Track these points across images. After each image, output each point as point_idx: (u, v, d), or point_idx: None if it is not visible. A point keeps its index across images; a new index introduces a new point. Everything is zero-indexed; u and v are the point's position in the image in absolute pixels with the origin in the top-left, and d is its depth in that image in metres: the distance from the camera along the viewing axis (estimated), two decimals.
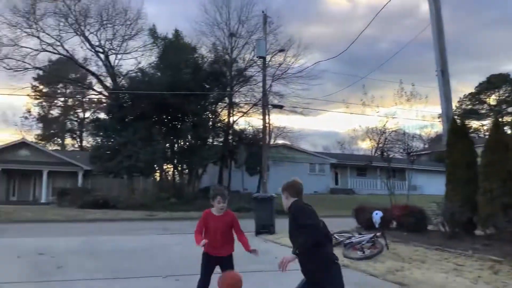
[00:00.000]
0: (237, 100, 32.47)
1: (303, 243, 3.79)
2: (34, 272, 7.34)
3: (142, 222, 18.21)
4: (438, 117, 19.04)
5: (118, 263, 8.28)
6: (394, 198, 15.90)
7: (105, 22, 29.35)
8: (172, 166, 31.47)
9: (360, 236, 10.33)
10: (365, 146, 39.12)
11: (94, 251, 9.62)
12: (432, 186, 31.67)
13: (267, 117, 25.81)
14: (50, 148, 44.30)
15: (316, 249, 3.80)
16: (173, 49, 28.40)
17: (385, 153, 18.21)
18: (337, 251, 9.75)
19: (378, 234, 9.90)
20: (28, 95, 41.64)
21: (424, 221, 12.55)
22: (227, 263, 4.55)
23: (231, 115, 32.03)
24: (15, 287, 6.36)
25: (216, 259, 4.55)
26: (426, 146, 32.48)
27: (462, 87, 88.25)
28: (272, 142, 33.57)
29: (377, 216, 10.29)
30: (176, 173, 31.43)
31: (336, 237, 10.89)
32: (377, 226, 10.21)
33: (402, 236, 11.88)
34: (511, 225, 9.03)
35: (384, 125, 17.45)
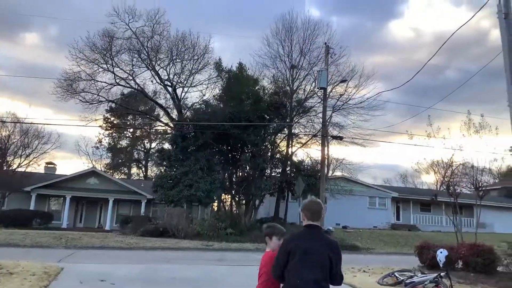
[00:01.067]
0: (296, 131, 32.53)
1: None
2: None
3: (199, 251, 18.44)
4: (510, 150, 17.88)
5: None
6: (461, 236, 14.95)
7: (174, 57, 30.83)
8: (230, 196, 31.82)
9: (422, 275, 9.80)
10: (429, 180, 37.40)
11: (153, 279, 9.86)
12: (502, 224, 29.56)
13: (326, 148, 25.59)
14: (117, 177, 46.60)
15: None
16: (236, 81, 29.23)
17: (451, 188, 17.28)
18: None
19: (442, 274, 9.33)
20: (100, 126, 44.51)
21: (494, 262, 11.68)
22: None
23: (290, 146, 32.08)
24: None
25: None
26: (497, 181, 30.47)
27: None
28: (330, 174, 33.07)
29: (441, 254, 9.71)
30: (233, 203, 31.73)
31: (397, 275, 10.43)
32: (441, 265, 9.63)
33: (468, 277, 11.10)
34: None
35: (450, 158, 16.60)
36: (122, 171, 56.98)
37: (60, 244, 18.09)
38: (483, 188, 16.92)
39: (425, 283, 9.22)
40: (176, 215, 24.07)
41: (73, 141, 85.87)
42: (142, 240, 21.25)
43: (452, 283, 9.43)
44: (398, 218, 38.34)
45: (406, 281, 9.62)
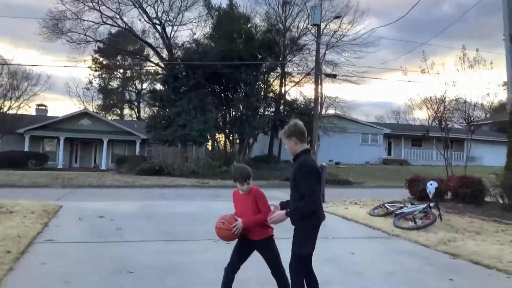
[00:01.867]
0: (289, 70, 32.12)
1: (296, 212, 3.65)
2: (94, 233, 7.85)
3: (195, 189, 18.81)
4: (503, 85, 17.81)
5: (173, 227, 8.67)
6: (451, 169, 15.31)
7: None
8: (224, 135, 31.99)
9: (412, 206, 10.12)
10: (422, 116, 37.62)
11: (150, 215, 10.11)
12: (492, 158, 30.19)
13: (319, 86, 25.40)
14: (109, 118, 46.39)
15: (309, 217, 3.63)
16: (227, 19, 28.39)
17: (443, 123, 17.42)
18: (388, 221, 9.64)
19: (431, 204, 9.65)
20: (89, 67, 43.61)
21: (482, 193, 12.03)
22: (262, 248, 4.07)
23: (283, 85, 31.82)
24: (78, 246, 6.84)
25: (250, 242, 4.05)
26: (488, 115, 30.73)
27: None
28: (323, 112, 33.09)
29: (431, 186, 10.01)
30: (227, 142, 31.96)
31: (387, 207, 10.75)
32: (431, 196, 9.95)
33: (457, 208, 11.48)
34: None
35: (443, 94, 16.57)
36: (115, 112, 56.69)
37: (57, 184, 18.34)
38: (475, 123, 17.09)
39: (415, 213, 9.53)
40: (171, 154, 24.32)
41: (63, 82, 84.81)
42: (139, 178, 21.57)
43: (441, 213, 9.76)
44: (389, 154, 39.03)
45: (396, 212, 9.93)
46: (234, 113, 30.69)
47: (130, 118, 55.03)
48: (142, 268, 5.55)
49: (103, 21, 29.73)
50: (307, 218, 3.65)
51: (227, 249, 4.40)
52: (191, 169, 23.80)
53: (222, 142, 33.26)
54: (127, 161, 27.65)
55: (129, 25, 30.98)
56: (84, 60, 32.97)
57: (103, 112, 52.50)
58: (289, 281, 3.94)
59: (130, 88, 56.00)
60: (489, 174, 11.59)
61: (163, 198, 14.02)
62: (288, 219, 3.73)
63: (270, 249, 4.05)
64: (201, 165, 24.48)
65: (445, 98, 16.67)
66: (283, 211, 3.75)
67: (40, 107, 38.06)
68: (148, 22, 30.89)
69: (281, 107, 31.12)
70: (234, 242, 4.14)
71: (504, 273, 5.79)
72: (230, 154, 29.37)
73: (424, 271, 5.85)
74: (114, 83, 54.88)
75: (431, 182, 10.17)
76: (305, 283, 3.81)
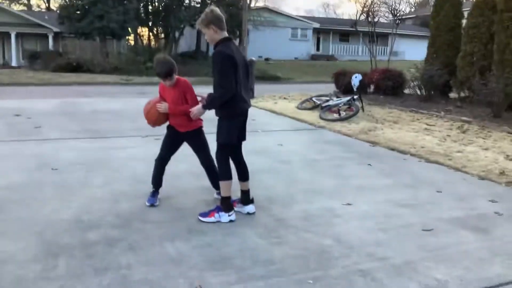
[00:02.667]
0: None
1: (212, 103, 3.60)
2: (11, 132, 7.31)
3: (118, 86, 17.95)
4: None
5: (97, 124, 8.29)
6: (375, 63, 15.84)
7: None
8: (147, 29, 30.07)
9: (337, 99, 10.46)
10: (351, 11, 37.70)
11: (71, 113, 9.56)
12: (415, 52, 31.47)
13: None
14: (15, 9, 41.32)
15: (228, 103, 3.58)
16: None
17: (370, 16, 17.59)
18: (315, 114, 9.98)
19: (355, 97, 10.03)
20: None
21: (402, 85, 12.71)
22: (189, 138, 4.10)
23: None
24: None
25: (178, 134, 4.05)
26: (413, 10, 31.49)
27: None
28: (253, 4, 31.93)
29: (356, 79, 10.30)
30: (151, 36, 30.21)
31: (314, 100, 11.05)
32: (355, 89, 10.29)
33: (378, 99, 12.11)
34: (486, 87, 9.19)
35: None
36: (20, 2, 50.43)
37: None
38: (400, 17, 17.46)
39: (340, 105, 9.92)
40: (89, 49, 22.63)
41: None
42: (55, 75, 20.07)
43: (363, 105, 10.24)
44: (318, 49, 39.42)
45: (323, 105, 10.27)
46: (157, 3, 28.58)
47: (39, 9, 49.46)
48: (67, 165, 5.32)
49: None
50: (227, 108, 3.61)
51: (156, 145, 4.29)
52: (113, 65, 22.45)
53: (145, 37, 31.39)
54: (40, 57, 25.36)
55: None
56: None
57: (7, 2, 46.54)
58: (216, 171, 4.02)
59: None
60: (410, 68, 12.14)
61: (84, 96, 13.26)
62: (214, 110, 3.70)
63: (198, 139, 4.09)
64: (123, 61, 23.14)
65: None
66: (200, 105, 3.74)
67: None
68: None
69: None
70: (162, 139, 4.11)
71: (417, 157, 6.33)
72: (155, 49, 27.94)
73: (345, 158, 6.22)
74: None
75: (356, 75, 10.45)
76: (236, 172, 3.92)
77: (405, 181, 5.11)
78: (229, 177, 3.74)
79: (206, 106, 3.67)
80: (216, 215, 3.71)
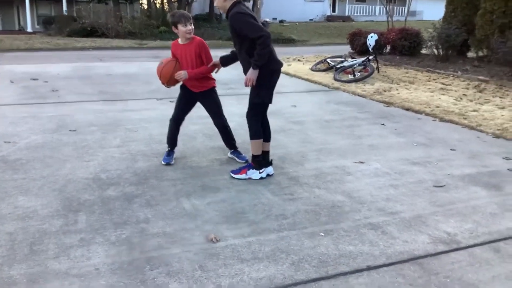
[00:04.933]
0: None
1: (259, 55, 3.44)
2: (29, 95, 7.44)
3: (132, 50, 17.91)
4: None
5: (112, 87, 8.37)
6: (392, 24, 15.41)
7: None
8: None
9: (352, 60, 10.30)
10: None
11: (87, 76, 9.64)
12: (433, 12, 30.33)
13: None
14: None
15: (269, 58, 3.54)
16: None
17: None
18: (329, 76, 9.87)
19: (370, 57, 9.86)
20: None
21: (419, 45, 12.40)
22: (203, 98, 4.10)
23: None
24: (13, 108, 6.50)
25: (192, 94, 4.07)
26: None
27: None
28: None
29: (372, 39, 10.07)
30: (164, 0, 29.76)
31: (329, 61, 10.90)
32: (370, 49, 10.08)
33: (395, 60, 11.88)
34: (505, 46, 8.93)
35: None
36: None
37: None
38: None
39: (354, 66, 9.77)
40: (103, 14, 22.44)
41: None
42: (71, 40, 20.09)
43: (378, 65, 10.07)
44: (334, 10, 38.36)
45: (337, 66, 10.12)
46: None
47: None
48: (85, 126, 5.44)
49: None
50: (268, 63, 3.54)
51: (170, 106, 4.35)
52: (127, 29, 22.28)
53: (158, 0, 30.90)
54: (55, 22, 25.26)
55: None
56: None
57: None
58: (230, 131, 4.18)
59: None
60: (428, 28, 11.80)
61: (99, 60, 13.31)
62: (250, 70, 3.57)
63: (211, 99, 4.10)
64: (137, 26, 22.92)
65: None
66: (251, 69, 3.53)
67: None
68: None
69: None
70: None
71: (432, 116, 6.28)
72: (168, 12, 27.55)
73: (359, 118, 6.20)
74: None
75: (372, 34, 10.21)
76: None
77: (418, 140, 5.11)
78: (261, 136, 3.78)
79: (256, 64, 3.49)
80: (248, 171, 3.80)
